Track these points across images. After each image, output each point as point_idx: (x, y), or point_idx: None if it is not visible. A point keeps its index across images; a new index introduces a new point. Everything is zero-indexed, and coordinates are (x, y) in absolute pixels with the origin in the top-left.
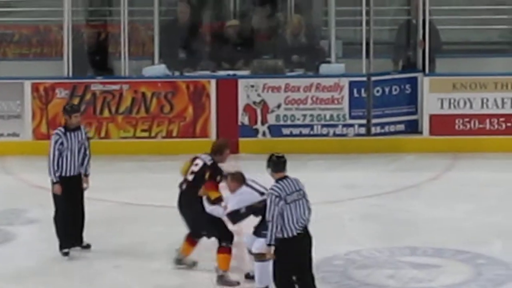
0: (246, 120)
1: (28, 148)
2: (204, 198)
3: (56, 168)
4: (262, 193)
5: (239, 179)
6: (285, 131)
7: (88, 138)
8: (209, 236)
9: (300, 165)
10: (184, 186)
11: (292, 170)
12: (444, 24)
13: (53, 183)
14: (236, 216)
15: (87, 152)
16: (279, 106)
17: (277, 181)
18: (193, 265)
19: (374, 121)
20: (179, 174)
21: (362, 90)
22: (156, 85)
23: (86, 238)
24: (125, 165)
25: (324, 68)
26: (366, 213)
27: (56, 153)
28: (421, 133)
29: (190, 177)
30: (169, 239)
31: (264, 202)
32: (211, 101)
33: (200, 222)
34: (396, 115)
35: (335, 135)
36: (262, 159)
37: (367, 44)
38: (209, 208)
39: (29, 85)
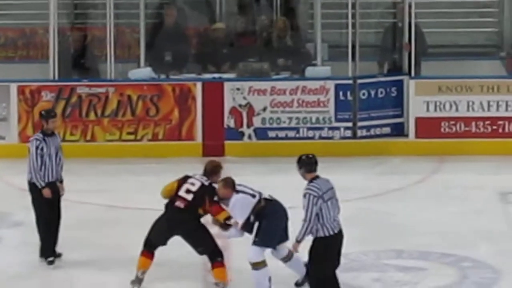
0: (232, 123)
1: (14, 151)
2: (211, 221)
3: (41, 173)
4: (253, 195)
5: (230, 185)
6: (271, 134)
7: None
8: (203, 253)
9: (286, 168)
10: (181, 205)
11: (277, 173)
12: (429, 27)
13: (42, 188)
14: (249, 226)
15: (62, 158)
16: (265, 109)
17: (311, 181)
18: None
19: (360, 124)
20: (165, 177)
21: (348, 93)
22: (142, 88)
23: (71, 240)
24: (110, 167)
25: (310, 71)
26: (352, 216)
27: (39, 158)
28: (407, 136)
29: (189, 197)
30: None
31: (259, 203)
32: (197, 104)
33: (200, 239)
34: (382, 118)
35: (321, 138)
36: (248, 162)
37: (353, 47)
38: (227, 234)
39: (15, 88)
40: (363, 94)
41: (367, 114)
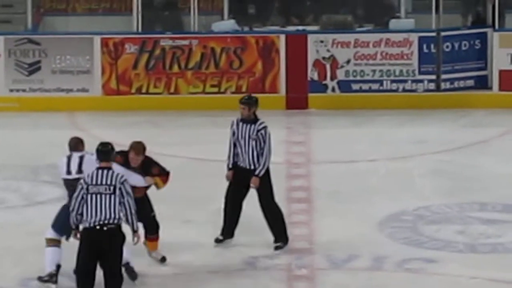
0: (315, 76)
1: (98, 103)
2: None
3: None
4: None
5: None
6: (355, 86)
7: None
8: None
9: (369, 121)
10: None
11: (361, 126)
12: None
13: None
14: None
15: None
16: (348, 61)
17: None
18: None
19: (443, 76)
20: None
21: (432, 46)
22: (225, 40)
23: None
24: (194, 120)
25: (393, 23)
26: (435, 169)
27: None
28: (490, 88)
29: None
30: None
31: None
32: (280, 57)
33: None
34: (466, 70)
35: (404, 90)
36: (331, 114)
37: None
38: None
39: (98, 40)
40: (447, 47)
41: (450, 67)
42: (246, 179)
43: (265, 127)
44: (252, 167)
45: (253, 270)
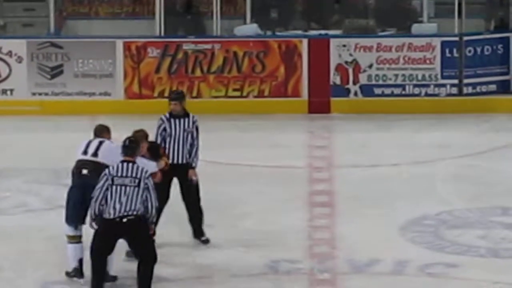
0: (338, 80)
1: (120, 107)
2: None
3: None
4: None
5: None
6: (377, 90)
7: None
8: None
9: (391, 125)
10: None
11: (383, 130)
12: None
13: None
14: None
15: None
16: (371, 65)
17: None
18: None
19: (466, 81)
20: (271, 134)
21: (454, 50)
22: (248, 44)
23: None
24: (216, 124)
25: (416, 27)
26: (457, 173)
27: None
28: None
29: None
30: (260, 198)
31: None
32: (303, 61)
33: None
34: (488, 75)
35: (427, 95)
36: (353, 118)
37: (459, 3)
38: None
39: (121, 44)
40: (469, 51)
41: (473, 71)
42: (180, 174)
43: (197, 119)
44: (185, 161)
45: (275, 274)
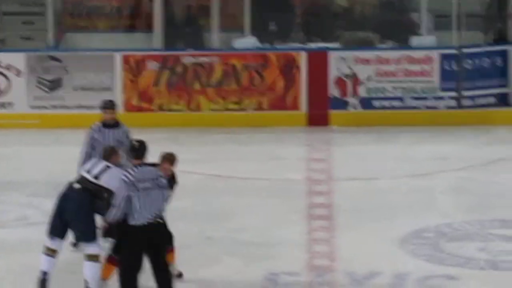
0: (336, 93)
1: None
2: None
3: None
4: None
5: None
6: (376, 103)
7: None
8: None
9: (390, 138)
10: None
11: (382, 143)
12: None
13: None
14: None
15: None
16: (369, 78)
17: (135, 166)
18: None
19: (465, 93)
20: (269, 146)
21: (453, 63)
22: (246, 57)
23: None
24: (215, 137)
25: (415, 40)
26: (456, 186)
27: None
28: None
29: None
30: (259, 211)
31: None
32: (301, 74)
33: None
34: (487, 87)
35: (425, 107)
36: (352, 131)
37: (458, 16)
38: None
39: (119, 58)
40: (468, 64)
41: (472, 84)
42: None
43: (128, 130)
44: None
45: (274, 287)
